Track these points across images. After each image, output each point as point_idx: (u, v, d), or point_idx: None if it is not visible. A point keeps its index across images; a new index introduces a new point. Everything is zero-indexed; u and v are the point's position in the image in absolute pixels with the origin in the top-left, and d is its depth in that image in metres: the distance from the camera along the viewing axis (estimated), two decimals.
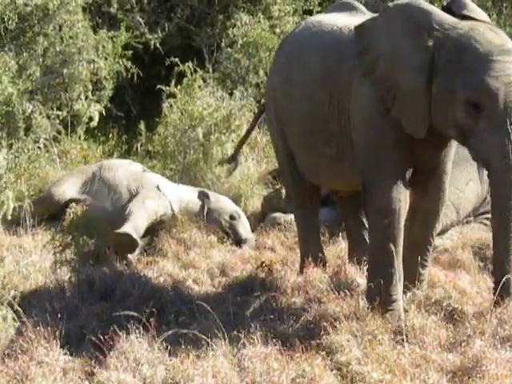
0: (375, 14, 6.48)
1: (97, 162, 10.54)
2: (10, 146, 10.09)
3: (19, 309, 6.09)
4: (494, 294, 5.71)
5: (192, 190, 9.05)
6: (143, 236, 8.38)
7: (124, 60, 11.98)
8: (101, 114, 11.97)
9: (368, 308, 5.90)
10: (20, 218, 9.16)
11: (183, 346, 5.54)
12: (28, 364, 5.27)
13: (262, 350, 5.40)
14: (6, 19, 11.29)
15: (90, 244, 7.68)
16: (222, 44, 12.67)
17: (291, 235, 8.31)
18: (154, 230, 8.50)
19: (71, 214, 8.52)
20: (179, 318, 5.99)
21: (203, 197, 8.88)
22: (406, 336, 5.63)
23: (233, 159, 8.29)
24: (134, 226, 8.17)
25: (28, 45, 11.53)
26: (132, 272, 7.51)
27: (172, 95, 11.18)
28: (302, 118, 6.61)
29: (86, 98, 11.81)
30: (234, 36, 12.48)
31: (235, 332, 5.71)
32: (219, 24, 13.22)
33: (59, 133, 11.46)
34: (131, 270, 7.63)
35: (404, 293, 6.12)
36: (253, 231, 8.93)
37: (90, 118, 11.86)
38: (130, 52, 12.09)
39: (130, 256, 7.96)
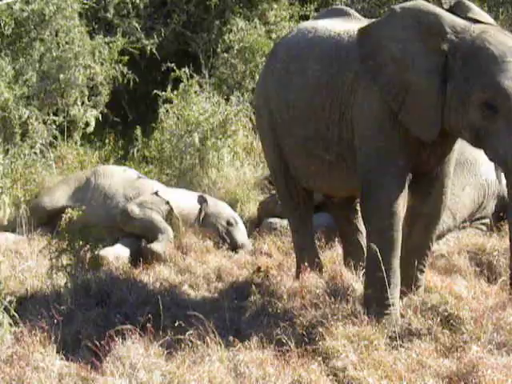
0: (372, 20, 6.48)
1: (93, 167, 10.55)
2: (7, 152, 10.12)
3: (15, 314, 6.08)
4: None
5: (190, 195, 9.06)
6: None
7: (120, 65, 11.99)
8: (97, 120, 11.98)
9: (364, 313, 5.91)
10: (16, 223, 9.18)
11: (179, 352, 5.54)
12: (24, 369, 5.26)
13: (258, 355, 5.40)
14: (2, 24, 11.31)
15: (86, 249, 7.66)
16: (218, 49, 12.68)
17: (287, 240, 8.31)
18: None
19: (67, 220, 8.52)
20: (175, 323, 5.97)
21: (202, 201, 8.89)
22: (402, 341, 5.64)
23: None
24: (163, 244, 8.29)
25: (24, 50, 11.55)
26: (128, 277, 7.51)
27: (168, 100, 11.21)
28: (300, 124, 6.58)
29: (83, 103, 11.82)
30: (231, 41, 12.49)
31: (231, 337, 5.71)
32: (215, 29, 13.23)
33: (55, 138, 11.47)
34: (127, 275, 7.62)
35: (400, 298, 6.12)
36: (249, 236, 8.94)
37: (87, 124, 11.87)
38: (127, 57, 12.10)
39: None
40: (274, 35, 12.65)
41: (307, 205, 7.12)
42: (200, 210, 8.83)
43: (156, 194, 8.76)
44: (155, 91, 11.46)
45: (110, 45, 12.01)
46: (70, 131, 11.79)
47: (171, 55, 12.70)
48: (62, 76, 11.49)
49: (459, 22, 5.82)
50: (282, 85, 6.73)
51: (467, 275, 6.96)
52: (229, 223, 8.84)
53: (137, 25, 12.92)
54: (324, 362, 5.39)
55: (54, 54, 11.51)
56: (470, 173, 8.13)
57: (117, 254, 8.11)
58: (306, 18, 12.78)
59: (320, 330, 5.70)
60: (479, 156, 8.19)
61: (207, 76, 12.54)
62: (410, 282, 6.25)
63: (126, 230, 8.57)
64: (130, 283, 7.22)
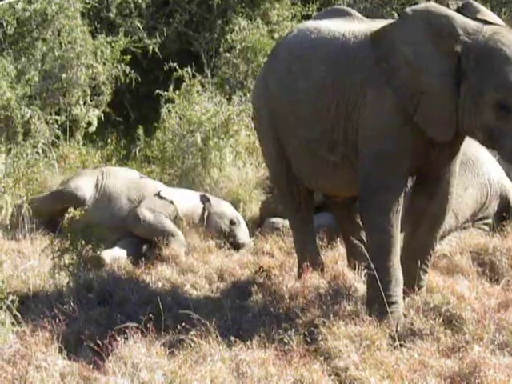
0: (377, 20, 6.49)
1: (95, 167, 10.56)
2: (9, 151, 10.11)
3: (18, 313, 6.08)
4: None
5: (193, 194, 9.07)
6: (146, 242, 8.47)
7: (122, 65, 11.98)
8: (99, 119, 11.98)
9: (366, 313, 5.91)
10: (18, 222, 9.17)
11: (181, 351, 5.54)
12: (26, 369, 5.26)
13: (260, 354, 5.40)
14: (4, 24, 11.31)
15: (88, 249, 7.66)
16: (221, 49, 12.68)
17: (289, 240, 8.30)
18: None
19: (69, 219, 8.53)
20: (177, 322, 5.98)
21: (205, 201, 8.91)
22: (404, 341, 5.64)
23: None
24: (180, 244, 8.38)
25: (27, 50, 11.55)
26: (130, 277, 7.51)
27: (170, 100, 11.21)
28: (304, 125, 6.56)
29: (85, 102, 11.82)
30: (233, 41, 12.48)
31: (233, 337, 5.71)
32: (218, 29, 13.22)
33: (58, 138, 11.46)
34: (129, 274, 7.63)
35: (402, 298, 6.12)
36: (251, 236, 8.94)
37: (89, 123, 11.88)
38: (129, 57, 12.08)
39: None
40: (276, 35, 12.64)
41: (308, 205, 7.12)
42: (203, 209, 8.84)
43: (158, 194, 8.77)
44: (157, 91, 11.46)
45: (112, 44, 12.01)
46: (72, 131, 11.79)
47: (173, 55, 12.70)
48: (64, 75, 11.49)
49: (471, 23, 5.85)
50: (285, 85, 6.71)
51: (469, 275, 6.96)
52: (232, 222, 8.86)
53: (139, 24, 12.92)
54: (326, 362, 5.39)
55: (57, 54, 11.50)
56: (473, 173, 8.12)
57: (115, 256, 8.13)
58: (308, 17, 12.75)
59: (322, 329, 5.70)
60: (481, 156, 8.21)
61: (209, 76, 12.53)
62: (412, 282, 6.26)
63: (135, 233, 8.58)
64: (132, 283, 7.22)
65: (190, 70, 11.37)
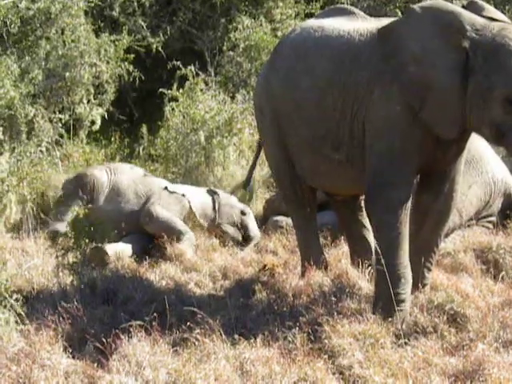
0: (381, 18, 6.48)
1: (100, 165, 10.55)
2: (13, 150, 10.13)
3: (22, 312, 6.09)
4: None
5: (199, 190, 9.10)
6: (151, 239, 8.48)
7: (126, 63, 11.99)
8: (103, 118, 12.00)
9: (371, 310, 5.91)
10: (22, 221, 9.18)
11: (185, 349, 5.54)
12: (31, 367, 5.27)
13: (264, 353, 5.41)
14: (8, 23, 11.30)
15: (92, 247, 7.67)
16: (224, 47, 12.67)
17: (293, 238, 8.30)
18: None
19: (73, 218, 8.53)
20: (181, 321, 5.98)
21: (213, 194, 8.96)
22: (408, 339, 5.64)
23: (247, 184, 8.25)
24: (190, 243, 8.39)
25: (30, 48, 11.55)
26: (134, 275, 7.52)
27: (174, 99, 11.22)
28: (308, 123, 6.55)
29: (88, 101, 11.83)
30: (236, 39, 12.48)
31: (237, 335, 5.72)
32: (221, 27, 13.23)
33: (61, 136, 11.48)
34: (133, 273, 7.63)
35: None
36: None
37: (92, 122, 11.89)
38: (132, 55, 12.09)
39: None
40: (279, 33, 12.62)
41: (311, 203, 7.11)
42: (213, 201, 8.89)
43: (166, 188, 8.78)
44: (161, 89, 11.48)
45: (116, 43, 12.02)
46: (75, 129, 11.80)
47: (177, 53, 12.71)
48: (67, 74, 11.50)
49: (478, 19, 5.87)
50: (288, 84, 6.69)
51: (473, 273, 6.96)
52: (243, 213, 8.94)
53: (142, 23, 12.93)
54: (330, 360, 5.39)
55: (60, 53, 11.51)
56: (477, 171, 8.12)
57: (118, 250, 8.11)
58: (311, 15, 12.71)
59: (326, 328, 5.69)
60: (486, 154, 8.21)
61: (213, 74, 12.53)
62: (416, 280, 6.25)
63: (147, 229, 8.58)
64: (136, 281, 7.23)
65: (193, 69, 11.39)
